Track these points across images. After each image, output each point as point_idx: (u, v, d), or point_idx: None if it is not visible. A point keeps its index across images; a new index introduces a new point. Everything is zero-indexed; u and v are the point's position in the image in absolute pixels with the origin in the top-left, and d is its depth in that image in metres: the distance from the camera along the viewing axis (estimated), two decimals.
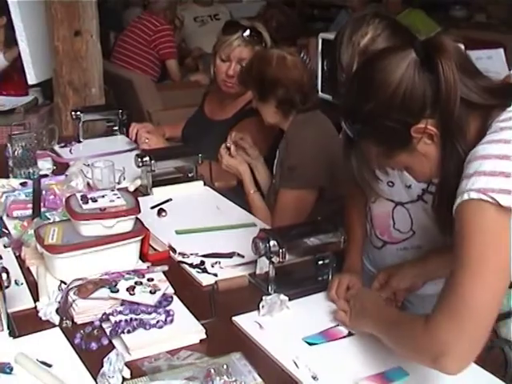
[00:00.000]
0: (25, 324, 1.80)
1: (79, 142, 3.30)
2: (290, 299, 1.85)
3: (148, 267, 2.03)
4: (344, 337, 1.73)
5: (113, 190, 2.12)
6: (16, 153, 2.72)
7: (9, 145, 2.73)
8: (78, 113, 3.28)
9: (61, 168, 2.87)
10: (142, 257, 2.10)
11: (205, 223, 2.37)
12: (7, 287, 1.76)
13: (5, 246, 2.22)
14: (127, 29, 5.34)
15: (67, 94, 3.56)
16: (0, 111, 3.91)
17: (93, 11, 3.48)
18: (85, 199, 2.02)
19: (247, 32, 2.87)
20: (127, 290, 1.83)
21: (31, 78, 3.59)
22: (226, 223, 2.38)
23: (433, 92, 1.39)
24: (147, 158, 2.63)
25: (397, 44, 1.54)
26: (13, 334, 1.74)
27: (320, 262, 2.02)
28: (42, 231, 2.03)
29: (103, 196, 2.06)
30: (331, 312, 1.83)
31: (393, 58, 1.44)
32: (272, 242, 1.88)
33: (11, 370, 1.60)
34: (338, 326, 1.76)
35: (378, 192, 1.63)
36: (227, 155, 2.64)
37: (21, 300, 1.89)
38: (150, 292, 1.83)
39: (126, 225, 2.00)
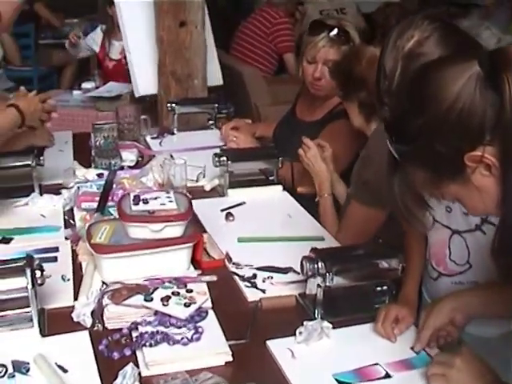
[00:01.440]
0: (57, 323, 1.79)
1: (172, 134, 3.28)
2: (333, 327, 1.73)
3: (197, 275, 1.97)
4: (380, 378, 1.60)
5: (168, 192, 2.07)
6: (98, 143, 2.73)
7: (92, 134, 2.74)
8: (173, 104, 3.27)
9: (146, 160, 2.85)
10: (195, 263, 2.04)
11: (271, 232, 2.29)
12: (41, 285, 1.73)
13: (66, 238, 2.23)
14: (247, 20, 5.31)
15: (169, 84, 3.56)
16: (106, 97, 3.98)
17: (199, 2, 3.44)
18: (136, 200, 1.99)
19: (334, 31, 2.74)
20: (161, 299, 1.78)
21: (137, 91, 3.61)
22: (293, 234, 2.28)
23: (495, 114, 1.18)
24: (224, 158, 2.57)
25: (453, 51, 1.35)
26: (42, 333, 1.73)
27: (378, 289, 1.89)
28: (93, 228, 2.01)
29: (156, 198, 2.01)
30: (374, 346, 1.70)
31: (451, 69, 1.23)
32: (320, 264, 1.77)
33: (27, 370, 1.59)
34: (376, 364, 1.62)
35: (422, 224, 1.46)
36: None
37: (61, 297, 1.89)
38: (185, 305, 1.77)
39: (175, 230, 1.95)
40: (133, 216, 1.94)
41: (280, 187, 2.66)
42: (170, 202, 2.00)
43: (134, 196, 2.02)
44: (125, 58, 4.43)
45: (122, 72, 4.49)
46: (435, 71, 1.26)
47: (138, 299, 1.79)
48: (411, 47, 1.39)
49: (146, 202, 1.99)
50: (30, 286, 1.68)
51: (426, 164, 1.29)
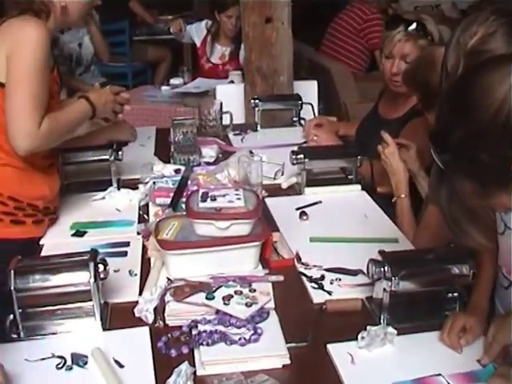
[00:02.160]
0: (119, 317, 1.81)
1: (255, 130, 3.27)
2: (398, 333, 1.67)
3: (264, 274, 1.94)
4: None
5: (237, 190, 2.05)
6: (177, 138, 2.74)
7: (171, 130, 2.76)
8: (257, 101, 3.26)
9: (225, 157, 2.84)
10: (263, 262, 2.01)
11: (344, 232, 2.24)
12: (104, 279, 1.75)
13: (138, 233, 2.25)
14: (338, 16, 5.23)
15: (255, 80, 3.54)
16: (193, 93, 4.00)
17: None
18: (204, 197, 1.98)
19: (412, 26, 2.66)
20: (223, 298, 1.77)
21: None
22: (367, 235, 2.22)
23: None
24: (301, 156, 2.53)
25: None
26: (103, 326, 1.74)
27: (448, 295, 1.81)
28: (161, 224, 2.02)
29: (224, 195, 2.00)
30: (438, 356, 1.63)
31: (498, 71, 1.15)
32: (386, 268, 1.71)
33: (85, 363, 1.61)
34: (439, 375, 1.55)
35: (472, 238, 1.35)
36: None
37: (126, 292, 1.91)
38: (246, 304, 1.75)
39: (242, 228, 1.93)
40: (199, 213, 1.93)
41: (358, 186, 2.60)
42: (238, 199, 1.98)
43: (203, 193, 2.01)
44: (223, 64, 4.47)
45: (214, 75, 4.51)
46: (480, 73, 1.19)
47: (200, 297, 1.78)
48: (474, 44, 1.31)
49: (213, 199, 1.98)
50: (92, 280, 1.70)
51: (472, 175, 1.21)
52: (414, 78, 2.35)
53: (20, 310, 1.71)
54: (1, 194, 2.20)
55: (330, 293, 1.89)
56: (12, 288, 1.68)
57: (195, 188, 2.37)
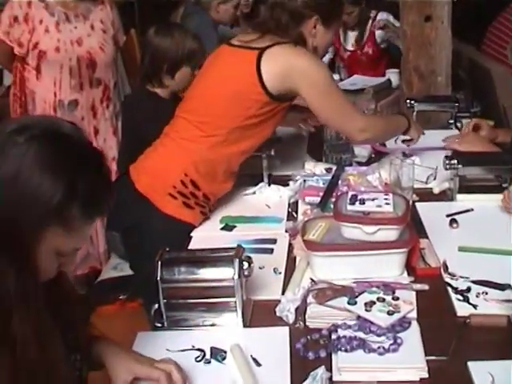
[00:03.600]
0: (260, 315, 1.81)
1: None
2: None
3: (409, 282, 1.88)
4: None
5: (386, 194, 1.99)
6: (330, 136, 2.71)
7: (324, 128, 2.73)
8: (413, 101, 3.16)
9: (378, 157, 2.78)
10: (409, 269, 1.95)
11: (495, 243, 2.11)
12: (248, 276, 1.75)
13: (286, 231, 2.24)
14: (501, 15, 4.96)
15: (412, 80, 3.44)
16: (349, 90, 3.93)
17: None
18: (353, 199, 1.94)
19: None
20: (365, 304, 1.72)
21: None
22: None
23: None
24: (455, 161, 2.43)
25: None
26: (244, 323, 1.75)
27: None
28: (309, 224, 2.00)
29: (373, 199, 1.95)
30: None
31: None
32: None
33: (223, 359, 1.62)
34: None
35: None
36: None
37: (269, 290, 1.90)
38: (388, 313, 1.69)
39: (389, 233, 1.87)
40: (347, 216, 1.90)
41: None
42: (387, 204, 1.93)
43: (352, 195, 1.97)
44: (361, 49, 4.40)
45: (358, 62, 4.43)
46: None
47: (342, 301, 1.74)
48: None
49: (362, 202, 1.93)
50: (236, 277, 1.70)
51: None
52: None
53: (165, 301, 1.74)
54: (186, 175, 2.29)
55: (475, 306, 1.80)
56: (158, 278, 1.71)
57: (345, 188, 2.33)
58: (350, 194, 1.99)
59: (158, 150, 2.39)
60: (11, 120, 1.22)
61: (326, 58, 4.48)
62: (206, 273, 1.73)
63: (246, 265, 1.74)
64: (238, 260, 1.71)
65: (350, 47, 4.58)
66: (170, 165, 2.32)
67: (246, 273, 1.74)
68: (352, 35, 4.54)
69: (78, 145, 1.25)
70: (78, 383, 1.41)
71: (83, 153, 1.25)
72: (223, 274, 1.72)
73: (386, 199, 1.96)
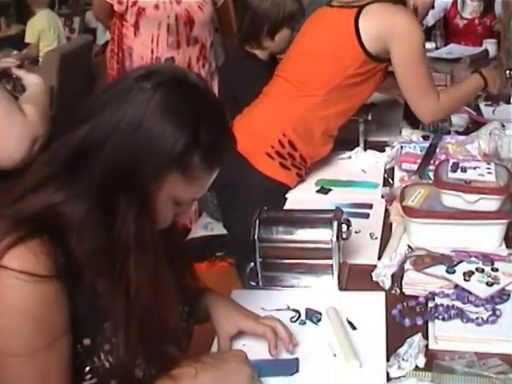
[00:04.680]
0: (356, 279, 1.77)
1: (508, 103, 3.04)
2: None
3: (507, 254, 1.81)
4: None
5: (488, 164, 1.91)
6: None
7: None
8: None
9: (475, 127, 2.68)
10: (508, 241, 1.87)
11: None
12: (346, 239, 1.71)
13: (382, 196, 2.19)
14: None
15: None
16: (445, 59, 3.82)
17: None
18: (454, 167, 1.87)
19: None
20: (464, 274, 1.66)
21: None
22: None
23: None
24: None
25: None
26: (340, 286, 1.72)
27: None
28: (407, 190, 1.95)
29: (475, 168, 1.87)
30: None
31: None
32: None
33: (318, 320, 1.59)
34: None
35: None
36: None
37: (365, 254, 1.87)
38: (487, 283, 1.63)
39: (490, 203, 1.80)
40: (448, 183, 1.83)
41: None
42: (489, 173, 1.85)
43: (453, 163, 1.90)
44: (480, 18, 4.25)
45: (472, 32, 4.29)
46: None
47: (440, 269, 1.69)
48: None
49: (464, 170, 1.86)
50: (334, 239, 1.67)
51: None
52: None
53: (261, 260, 1.72)
54: (284, 135, 2.27)
55: None
56: (255, 237, 1.69)
57: (443, 157, 2.26)
58: (452, 161, 1.92)
59: (256, 109, 2.37)
60: (138, 67, 1.21)
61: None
62: (304, 234, 1.70)
63: (344, 227, 1.70)
64: (336, 222, 1.68)
65: (467, 15, 4.43)
66: (268, 124, 2.30)
67: (344, 235, 1.71)
68: (471, 4, 4.39)
69: (204, 94, 1.23)
70: (184, 334, 1.41)
71: (208, 102, 1.23)
72: (321, 235, 1.69)
73: (488, 168, 1.88)
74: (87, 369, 1.18)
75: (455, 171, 1.86)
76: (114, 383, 1.21)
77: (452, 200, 1.82)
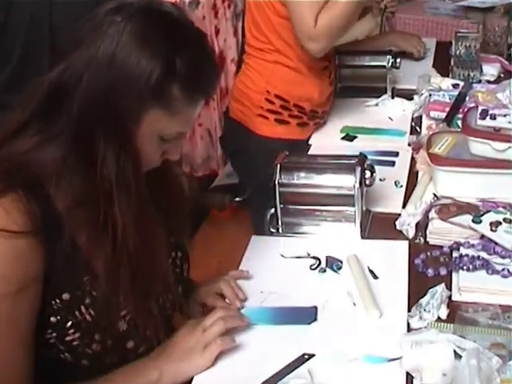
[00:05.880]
0: (379, 227, 1.70)
1: None
2: None
3: None
4: None
5: None
6: (458, 52, 2.50)
7: (453, 42, 2.52)
8: None
9: (507, 77, 2.55)
10: None
11: None
12: (369, 186, 1.63)
13: (408, 145, 2.10)
14: None
15: None
16: (479, 7, 3.65)
17: None
18: (484, 114, 1.76)
19: None
20: (490, 224, 1.56)
21: None
22: None
23: None
24: None
25: None
26: (362, 234, 1.64)
27: None
28: (435, 138, 1.85)
29: (505, 115, 1.76)
30: None
31: None
32: None
33: (339, 268, 1.52)
34: None
35: None
36: None
37: (390, 203, 1.79)
38: None
39: None
40: (476, 130, 1.72)
41: None
42: None
43: (482, 110, 1.79)
44: None
45: None
46: None
47: (466, 219, 1.59)
48: None
49: (493, 117, 1.75)
50: (357, 186, 1.59)
51: None
52: None
53: (281, 206, 1.65)
54: (268, 91, 2.14)
55: None
56: (276, 182, 1.61)
57: (473, 105, 2.14)
58: (481, 108, 1.81)
59: (241, 72, 2.26)
60: (110, 1, 1.12)
61: None
62: (326, 179, 1.62)
63: (368, 174, 1.62)
64: (360, 168, 1.60)
65: None
66: (251, 86, 2.18)
67: (367, 182, 1.63)
68: None
69: (179, 22, 1.14)
70: (178, 280, 1.35)
71: (184, 30, 1.14)
72: (344, 181, 1.60)
73: None
74: (69, 323, 1.14)
75: (484, 118, 1.75)
76: (98, 337, 1.17)
77: (480, 148, 1.72)
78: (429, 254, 1.55)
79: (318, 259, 1.54)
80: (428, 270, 1.49)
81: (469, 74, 2.50)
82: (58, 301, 1.12)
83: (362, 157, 1.65)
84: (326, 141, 2.15)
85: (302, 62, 2.11)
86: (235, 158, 2.37)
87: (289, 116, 2.16)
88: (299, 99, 2.16)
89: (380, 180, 1.81)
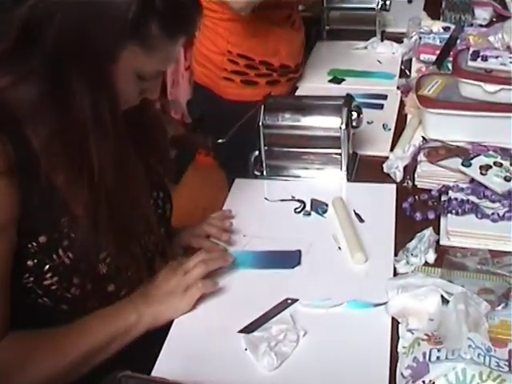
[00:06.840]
0: (366, 171, 1.63)
1: None
2: None
3: None
4: None
5: (511, 53, 1.72)
6: None
7: None
8: None
9: (499, 21, 2.46)
10: None
11: None
12: (356, 127, 1.55)
13: (397, 88, 2.02)
14: None
15: None
16: None
17: None
18: (474, 55, 1.68)
19: None
20: (480, 167, 1.50)
21: None
22: None
23: None
24: None
25: None
26: (348, 177, 1.57)
27: None
28: (424, 80, 1.77)
29: (496, 57, 1.68)
30: None
31: None
32: None
33: (324, 212, 1.46)
34: None
35: None
36: None
37: (377, 146, 1.72)
38: (505, 178, 1.47)
39: (510, 95, 1.62)
40: (467, 72, 1.64)
41: None
42: None
43: (473, 51, 1.70)
44: None
45: None
46: None
47: (455, 162, 1.53)
48: None
49: (484, 59, 1.67)
50: (343, 127, 1.51)
51: None
52: None
53: (266, 148, 1.57)
54: (230, 51, 1.96)
55: None
56: (260, 123, 1.53)
57: (463, 48, 2.06)
58: (472, 49, 1.73)
59: (199, 36, 2.00)
60: None
61: None
62: (312, 121, 1.54)
63: (354, 115, 1.54)
64: (346, 109, 1.52)
65: None
66: (211, 49, 2.00)
67: (354, 123, 1.55)
68: None
69: None
70: (161, 221, 1.29)
71: None
72: (330, 122, 1.53)
73: (510, 58, 1.68)
74: (47, 267, 1.08)
75: (475, 60, 1.67)
76: (77, 280, 1.11)
77: (471, 90, 1.64)
78: (417, 197, 1.49)
79: (303, 202, 1.47)
80: (416, 213, 1.43)
81: (460, 18, 2.41)
82: (34, 244, 1.06)
83: (349, 98, 1.57)
84: (312, 84, 2.07)
85: (258, 14, 1.88)
86: (202, 124, 2.21)
87: (256, 75, 1.98)
88: (265, 55, 1.97)
89: (368, 123, 1.74)
